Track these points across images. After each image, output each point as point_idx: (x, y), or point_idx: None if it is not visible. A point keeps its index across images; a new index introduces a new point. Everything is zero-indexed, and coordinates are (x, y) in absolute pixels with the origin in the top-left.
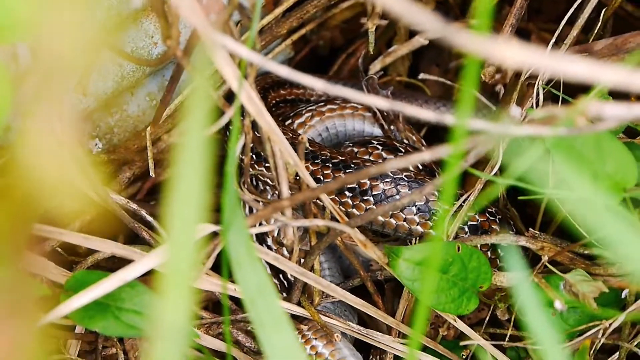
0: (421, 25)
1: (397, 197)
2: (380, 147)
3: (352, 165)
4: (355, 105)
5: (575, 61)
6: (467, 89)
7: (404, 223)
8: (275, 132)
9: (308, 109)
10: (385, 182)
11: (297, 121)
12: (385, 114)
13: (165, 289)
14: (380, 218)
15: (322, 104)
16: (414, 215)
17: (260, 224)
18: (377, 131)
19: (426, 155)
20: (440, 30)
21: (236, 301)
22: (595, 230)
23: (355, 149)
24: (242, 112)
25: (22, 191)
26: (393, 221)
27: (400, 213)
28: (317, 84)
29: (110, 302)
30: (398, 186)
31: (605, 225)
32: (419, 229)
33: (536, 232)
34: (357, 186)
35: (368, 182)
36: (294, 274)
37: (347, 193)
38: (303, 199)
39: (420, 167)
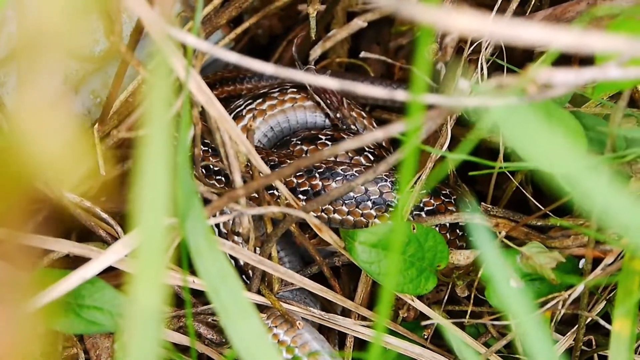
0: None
1: (352, 194)
2: (330, 143)
3: (303, 169)
4: (294, 96)
5: (529, 26)
6: (420, 62)
7: (362, 218)
8: (226, 119)
9: (248, 109)
10: (337, 180)
11: (240, 124)
12: (329, 102)
13: (136, 278)
14: (337, 216)
15: (260, 100)
16: (371, 209)
17: (215, 215)
18: (320, 118)
19: (379, 133)
20: (390, 3)
21: (195, 294)
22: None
23: (305, 147)
24: (190, 103)
25: (18, 165)
26: (351, 218)
27: (357, 209)
28: (267, 68)
29: (70, 299)
30: (351, 183)
31: (583, 183)
32: (377, 222)
33: (488, 205)
34: (309, 188)
35: (320, 183)
36: (251, 262)
37: (300, 196)
38: (257, 186)
39: (372, 158)
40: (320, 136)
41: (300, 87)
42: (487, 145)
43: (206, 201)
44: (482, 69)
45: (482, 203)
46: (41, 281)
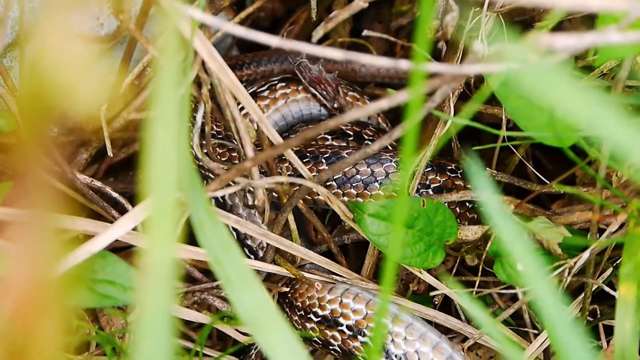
0: None
1: (358, 176)
2: (329, 137)
3: (308, 154)
4: (284, 91)
5: None
6: (423, 25)
7: (371, 200)
8: (238, 88)
9: (242, 114)
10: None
11: None
12: (325, 92)
13: (149, 240)
14: (347, 200)
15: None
16: (379, 190)
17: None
18: (315, 109)
19: (384, 103)
20: None
21: (208, 273)
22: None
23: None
24: (199, 83)
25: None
26: (360, 200)
27: (365, 191)
28: (272, 41)
29: (82, 274)
30: (357, 165)
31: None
32: None
33: (494, 171)
34: (317, 173)
35: (327, 169)
36: (256, 235)
37: None
38: (266, 157)
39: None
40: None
41: (289, 80)
42: (488, 120)
43: None
44: (482, 43)
45: (487, 168)
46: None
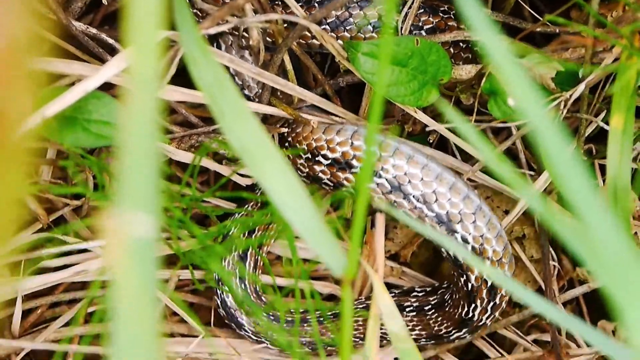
0: None
1: (351, 19)
2: None
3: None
4: None
5: None
6: None
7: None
8: None
9: None
10: (337, 9)
11: None
12: None
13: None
14: (341, 42)
15: None
16: (372, 33)
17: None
18: None
19: None
20: None
21: (207, 120)
22: None
23: None
24: None
25: None
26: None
27: (359, 34)
28: None
29: (77, 115)
30: (349, 9)
31: None
32: None
33: (489, 11)
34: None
35: (320, 9)
36: (250, 74)
37: None
38: None
39: None
40: None
41: None
42: None
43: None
44: None
45: (483, 8)
46: (44, 99)
